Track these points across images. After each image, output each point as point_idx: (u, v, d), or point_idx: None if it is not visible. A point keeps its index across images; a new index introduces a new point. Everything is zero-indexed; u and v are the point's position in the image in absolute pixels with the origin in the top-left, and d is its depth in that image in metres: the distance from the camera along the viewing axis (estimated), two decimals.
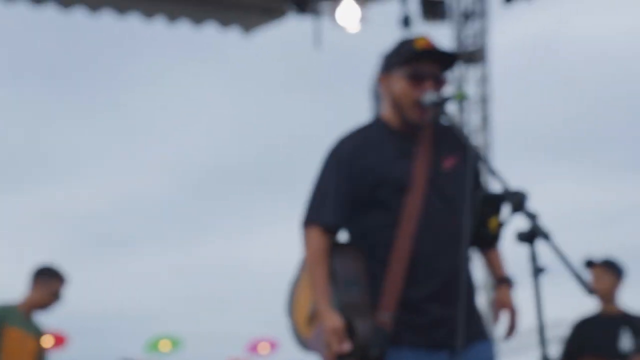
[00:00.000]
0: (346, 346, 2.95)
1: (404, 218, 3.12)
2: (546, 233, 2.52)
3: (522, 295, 3.12)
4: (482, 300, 10.77)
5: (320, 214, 3.20)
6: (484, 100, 11.43)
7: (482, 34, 11.61)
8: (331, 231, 3.20)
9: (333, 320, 3.00)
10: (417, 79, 3.17)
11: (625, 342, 5.86)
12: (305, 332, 3.28)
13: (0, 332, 5.90)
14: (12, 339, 5.95)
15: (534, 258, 2.54)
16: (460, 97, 3.17)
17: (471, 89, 11.46)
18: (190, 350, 21.25)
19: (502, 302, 3.15)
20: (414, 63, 3.19)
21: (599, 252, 6.13)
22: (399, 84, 3.20)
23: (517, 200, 2.64)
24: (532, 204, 2.63)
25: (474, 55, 11.52)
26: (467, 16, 11.64)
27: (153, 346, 20.41)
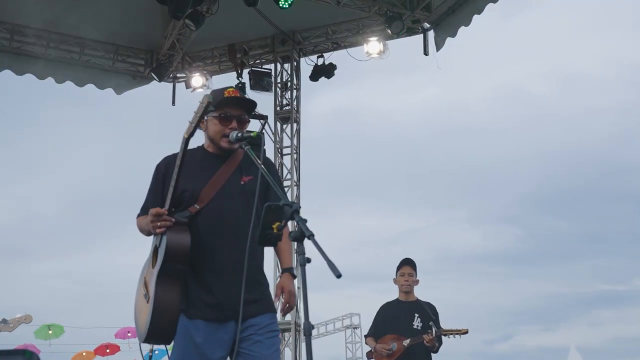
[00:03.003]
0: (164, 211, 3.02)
1: (197, 218, 3.10)
2: (311, 233, 2.52)
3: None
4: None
5: (141, 211, 3.28)
6: (295, 149, 11.50)
7: (296, 100, 11.73)
8: None
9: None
10: (225, 119, 3.17)
11: (417, 323, 5.99)
12: (142, 327, 3.14)
13: None
14: None
15: (302, 252, 2.53)
16: (256, 135, 3.15)
17: (286, 141, 11.55)
18: (70, 337, 20.66)
19: (282, 286, 3.13)
20: (224, 107, 3.18)
21: (388, 264, 6.29)
22: (212, 123, 3.21)
23: (292, 210, 2.64)
24: (301, 212, 2.63)
25: (289, 116, 11.61)
26: (284, 87, 11.74)
27: (41, 333, 19.67)
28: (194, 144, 3.33)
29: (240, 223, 3.11)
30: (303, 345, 11.02)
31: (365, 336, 6.41)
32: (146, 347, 3.29)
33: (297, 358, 10.63)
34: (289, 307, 3.14)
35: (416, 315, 6.04)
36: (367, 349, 6.34)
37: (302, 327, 2.43)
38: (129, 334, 18.67)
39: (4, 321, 5.72)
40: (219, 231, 3.11)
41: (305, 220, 2.59)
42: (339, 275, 2.35)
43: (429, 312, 6.02)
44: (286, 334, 10.57)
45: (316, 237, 2.51)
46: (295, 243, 2.52)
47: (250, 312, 3.01)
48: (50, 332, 19.76)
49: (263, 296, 3.18)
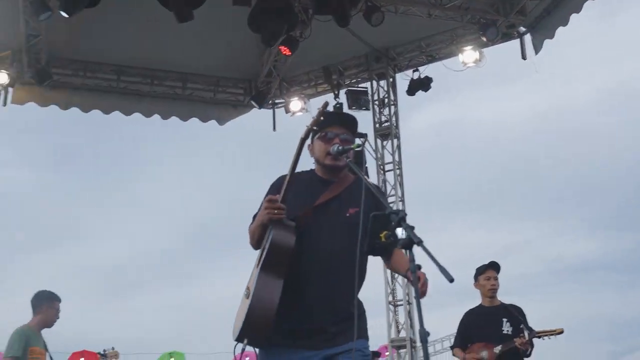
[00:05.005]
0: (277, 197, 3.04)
1: (299, 238, 3.09)
2: (420, 240, 2.48)
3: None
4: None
5: (252, 219, 3.26)
6: (397, 165, 11.45)
7: (394, 116, 11.70)
8: None
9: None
10: (328, 139, 3.21)
11: (507, 328, 5.73)
12: (238, 323, 3.09)
13: (26, 351, 5.55)
14: (34, 356, 5.59)
15: (412, 259, 2.49)
16: (357, 147, 3.16)
17: (388, 157, 11.51)
18: None
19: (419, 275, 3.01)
20: (326, 127, 3.23)
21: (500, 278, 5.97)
22: (317, 144, 3.28)
23: (399, 218, 2.61)
24: (408, 220, 2.60)
25: (389, 132, 11.58)
26: (382, 104, 11.74)
27: (164, 359, 20.16)
28: (307, 167, 3.39)
29: (337, 252, 3.08)
30: None
31: (451, 347, 6.12)
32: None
33: None
34: (424, 292, 2.90)
35: (504, 319, 5.73)
36: None
37: (417, 335, 2.39)
38: (247, 358, 18.95)
39: (104, 355, 6.04)
40: (315, 259, 3.08)
41: (413, 227, 2.55)
42: (451, 280, 2.30)
43: (517, 315, 5.71)
44: (402, 351, 10.47)
45: (425, 244, 2.47)
46: (405, 250, 2.49)
47: (335, 342, 3.02)
48: (171, 359, 20.29)
49: (350, 326, 3.05)
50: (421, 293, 2.95)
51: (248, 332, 3.00)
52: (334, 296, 3.05)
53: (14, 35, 10.20)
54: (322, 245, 3.10)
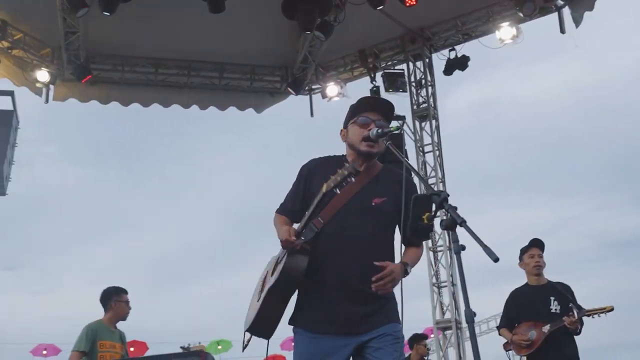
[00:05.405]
0: (294, 236, 3.06)
1: (322, 230, 3.13)
2: (463, 220, 2.46)
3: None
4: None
5: (280, 207, 3.37)
6: (437, 146, 11.36)
7: (432, 97, 11.60)
8: (287, 217, 3.33)
9: (288, 227, 3.16)
10: (364, 124, 3.19)
11: (555, 306, 5.63)
12: (249, 319, 3.30)
13: (95, 345, 5.61)
14: (105, 349, 5.68)
15: (455, 240, 2.47)
16: (396, 128, 3.14)
17: (427, 139, 11.44)
18: (237, 351, 21.41)
19: (388, 264, 3.02)
20: (362, 112, 3.24)
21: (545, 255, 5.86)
22: (352, 129, 3.26)
23: (441, 199, 2.59)
24: (450, 200, 2.58)
25: (427, 113, 11.49)
26: (419, 85, 11.64)
27: (210, 348, 20.49)
28: (338, 152, 3.38)
29: (363, 240, 3.10)
30: (467, 344, 10.83)
31: (498, 327, 5.97)
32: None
33: (462, 356, 10.44)
34: (382, 284, 2.98)
35: (552, 298, 5.60)
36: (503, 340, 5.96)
37: (462, 316, 2.38)
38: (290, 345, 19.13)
39: (187, 349, 6.07)
40: (340, 246, 3.11)
41: (455, 208, 2.53)
42: (496, 259, 2.28)
43: (564, 293, 5.58)
44: (447, 332, 10.42)
45: (468, 224, 2.45)
46: (448, 232, 2.47)
47: (365, 328, 3.06)
48: (219, 347, 20.60)
49: (379, 309, 3.12)
50: (378, 286, 2.97)
51: (254, 330, 3.25)
52: (359, 284, 3.05)
53: (53, 33, 10.34)
54: (347, 232, 3.11)
